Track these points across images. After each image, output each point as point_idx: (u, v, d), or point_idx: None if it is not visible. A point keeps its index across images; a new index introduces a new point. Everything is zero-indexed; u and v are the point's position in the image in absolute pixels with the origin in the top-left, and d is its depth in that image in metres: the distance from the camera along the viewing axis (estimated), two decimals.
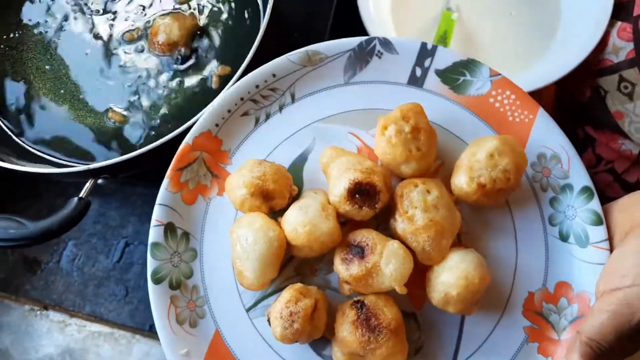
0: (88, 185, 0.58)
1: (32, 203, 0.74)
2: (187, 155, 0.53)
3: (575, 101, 0.74)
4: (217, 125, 0.54)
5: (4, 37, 0.73)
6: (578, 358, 0.45)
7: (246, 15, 0.69)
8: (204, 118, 0.53)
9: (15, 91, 0.70)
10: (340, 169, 0.49)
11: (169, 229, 0.51)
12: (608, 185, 0.75)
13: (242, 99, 0.54)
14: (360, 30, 0.70)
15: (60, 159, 0.67)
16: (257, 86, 0.54)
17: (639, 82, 0.65)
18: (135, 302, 0.70)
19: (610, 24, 0.69)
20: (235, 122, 0.54)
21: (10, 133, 0.69)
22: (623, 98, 0.67)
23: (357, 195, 0.47)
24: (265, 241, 0.47)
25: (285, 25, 0.74)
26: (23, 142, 0.68)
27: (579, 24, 0.70)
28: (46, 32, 0.72)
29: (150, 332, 0.70)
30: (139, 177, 0.72)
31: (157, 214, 0.51)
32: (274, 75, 0.54)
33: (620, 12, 0.68)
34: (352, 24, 0.71)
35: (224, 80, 0.65)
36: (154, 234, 0.51)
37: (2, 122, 0.69)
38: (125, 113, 0.67)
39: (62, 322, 0.73)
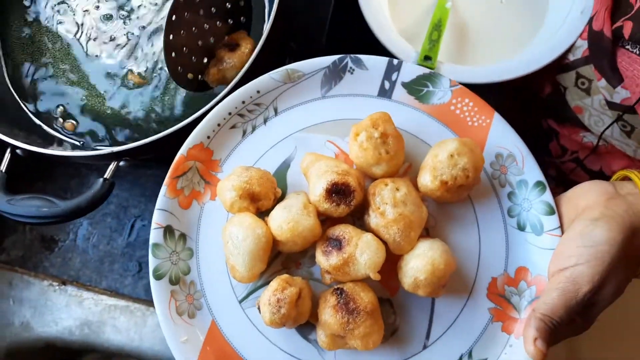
0: (112, 166, 0.63)
1: (45, 185, 0.79)
2: (182, 165, 0.59)
3: (538, 96, 0.79)
4: (208, 137, 0.60)
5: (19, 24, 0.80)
6: (534, 332, 0.51)
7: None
8: (196, 132, 0.59)
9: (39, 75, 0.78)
10: (318, 172, 0.55)
11: (167, 231, 0.57)
12: (572, 171, 0.80)
13: (230, 113, 0.60)
14: (356, 26, 0.73)
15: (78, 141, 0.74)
16: (243, 102, 0.61)
17: (595, 79, 0.68)
18: (148, 277, 0.72)
19: None
20: (225, 134, 0.61)
21: (32, 116, 0.76)
22: (581, 93, 0.71)
23: (334, 195, 0.53)
24: (254, 237, 0.53)
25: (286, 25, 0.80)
26: (44, 124, 0.75)
27: (565, 11, 0.73)
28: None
29: None
30: (148, 159, 0.77)
31: (157, 217, 0.57)
32: (258, 92, 0.61)
33: None
34: (349, 22, 0.75)
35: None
36: (154, 235, 0.57)
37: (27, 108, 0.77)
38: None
39: (79, 296, 0.77)
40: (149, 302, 0.75)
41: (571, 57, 0.71)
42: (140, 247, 0.76)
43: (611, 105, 0.68)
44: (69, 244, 0.78)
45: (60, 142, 0.74)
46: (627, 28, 0.63)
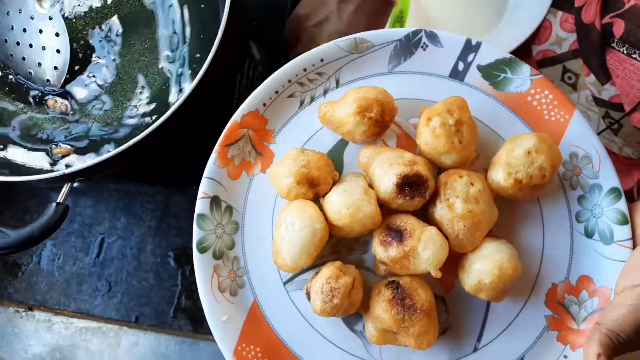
0: (65, 189, 0.58)
1: (5, 208, 0.75)
2: (234, 132, 0.54)
3: None
4: (264, 104, 0.55)
5: None
6: (597, 347, 0.48)
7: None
8: (252, 97, 0.55)
9: None
10: (383, 166, 0.51)
11: (214, 201, 0.53)
12: None
13: (289, 81, 0.56)
14: None
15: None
16: (304, 69, 0.56)
17: (583, 73, 0.66)
18: (119, 296, 0.72)
19: (553, 14, 0.70)
20: (282, 103, 0.56)
21: None
22: (567, 88, 0.68)
23: (406, 188, 0.49)
24: (310, 231, 0.49)
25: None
26: None
27: (526, 2, 0.73)
28: None
29: (136, 323, 0.72)
30: (112, 174, 0.73)
31: (205, 186, 0.53)
32: (321, 60, 0.56)
33: (562, 2, 0.70)
34: None
35: None
36: (201, 205, 0.53)
37: None
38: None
39: (48, 321, 0.74)
40: (122, 322, 0.73)
41: (558, 50, 0.69)
42: (108, 265, 0.73)
43: (598, 101, 0.66)
44: (33, 267, 0.74)
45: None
46: (618, 27, 0.61)
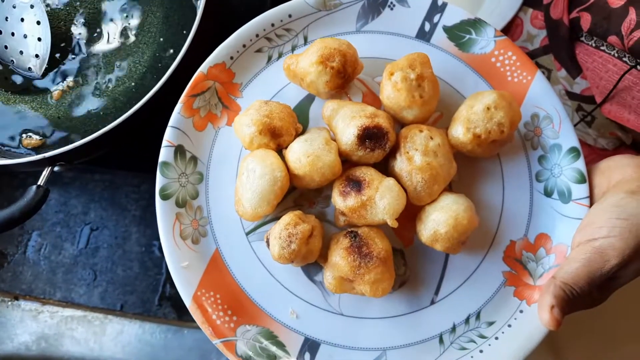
0: (45, 173, 0.59)
1: None
2: (200, 84, 0.55)
3: None
4: (231, 58, 0.56)
5: None
6: (551, 299, 0.48)
7: None
8: (219, 50, 0.55)
9: None
10: (345, 119, 0.52)
11: (179, 150, 0.54)
12: None
13: (257, 35, 0.56)
14: None
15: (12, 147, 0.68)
16: (272, 24, 0.56)
17: (554, 68, 0.67)
18: (104, 285, 0.73)
19: (524, 12, 0.72)
20: (249, 57, 0.57)
21: None
22: None
23: (367, 140, 0.50)
24: (270, 178, 0.49)
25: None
26: None
27: None
28: None
29: (121, 311, 0.73)
30: (96, 163, 0.74)
31: (169, 135, 0.54)
32: (289, 16, 0.57)
33: (532, 0, 0.71)
34: None
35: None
36: (165, 153, 0.53)
37: None
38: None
39: (34, 310, 0.75)
40: (107, 310, 0.74)
41: (530, 47, 0.70)
42: (93, 255, 0.74)
43: (571, 95, 0.67)
44: (18, 257, 0.75)
45: None
46: (585, 20, 0.62)
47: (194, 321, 0.67)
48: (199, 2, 0.60)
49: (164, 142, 0.54)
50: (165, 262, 0.72)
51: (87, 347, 0.74)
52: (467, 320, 0.53)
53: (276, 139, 0.52)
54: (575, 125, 0.68)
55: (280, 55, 0.57)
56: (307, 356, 0.51)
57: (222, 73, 0.56)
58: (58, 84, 0.70)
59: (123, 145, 0.69)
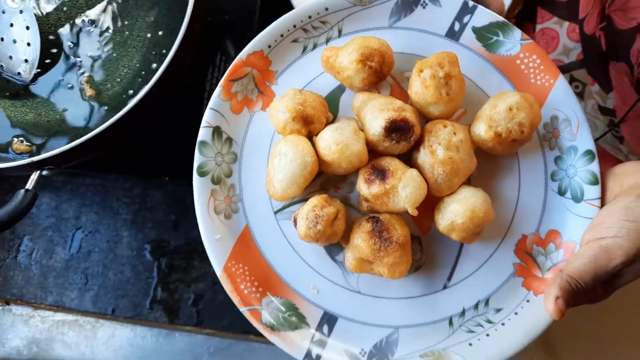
0: (34, 176, 0.60)
1: None
2: (239, 69, 0.59)
3: None
4: (269, 46, 0.59)
5: None
6: (557, 291, 0.51)
7: None
8: (258, 38, 0.59)
9: None
10: (374, 111, 0.55)
11: (216, 131, 0.58)
12: None
13: (294, 26, 0.60)
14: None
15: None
16: (309, 17, 0.59)
17: (589, 82, 0.67)
18: (95, 289, 0.74)
19: (559, 25, 0.71)
20: (286, 46, 0.60)
21: None
22: None
23: (393, 133, 0.53)
24: (302, 162, 0.53)
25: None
26: None
27: None
28: None
29: (113, 315, 0.73)
30: (86, 167, 0.74)
31: (208, 116, 0.57)
32: (326, 9, 0.60)
33: (568, 13, 0.70)
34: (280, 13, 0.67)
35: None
36: (203, 133, 0.57)
37: None
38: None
39: (25, 314, 0.75)
40: (98, 314, 0.74)
41: (565, 60, 0.70)
42: (84, 259, 0.74)
43: (603, 110, 0.67)
44: (9, 261, 0.75)
45: None
46: (603, 40, 0.62)
47: (185, 325, 0.70)
48: (187, 6, 0.60)
49: (203, 123, 0.57)
50: (156, 266, 0.75)
51: (79, 351, 0.74)
52: (476, 306, 0.56)
53: (308, 126, 0.55)
54: (601, 137, 0.69)
55: (315, 46, 0.61)
56: (325, 328, 0.56)
57: (260, 60, 0.59)
58: (48, 88, 0.70)
59: (111, 149, 0.69)
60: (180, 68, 0.59)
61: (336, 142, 0.53)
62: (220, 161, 0.58)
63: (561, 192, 0.58)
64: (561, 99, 0.58)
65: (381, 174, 0.53)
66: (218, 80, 0.74)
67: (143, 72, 0.69)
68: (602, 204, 0.56)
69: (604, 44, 0.61)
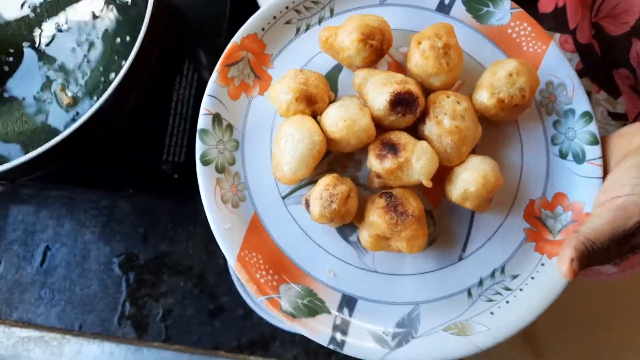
0: None
1: None
2: (235, 53, 0.57)
3: None
4: (263, 29, 0.58)
5: None
6: (571, 251, 0.51)
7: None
8: (251, 21, 0.57)
9: None
10: (376, 86, 0.54)
11: (216, 118, 0.56)
12: None
13: (287, 7, 0.58)
14: None
15: None
16: None
17: (594, 91, 0.67)
18: (62, 304, 0.72)
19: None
20: (279, 28, 0.59)
21: None
22: None
23: (398, 106, 0.53)
24: (310, 142, 0.52)
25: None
26: None
27: None
28: None
29: (80, 331, 0.72)
30: (53, 180, 0.73)
31: (207, 103, 0.55)
32: None
33: (557, 24, 0.70)
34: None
35: None
36: (203, 121, 0.55)
37: None
38: None
39: None
40: (64, 330, 0.72)
41: None
42: (51, 273, 0.73)
43: (614, 116, 0.68)
44: None
45: None
46: (597, 48, 0.62)
47: (153, 340, 0.69)
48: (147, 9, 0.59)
49: (202, 110, 0.55)
50: (124, 280, 0.73)
51: None
52: (492, 274, 0.56)
53: (311, 105, 0.54)
54: None
55: (307, 27, 0.60)
56: (345, 311, 0.54)
57: (254, 44, 0.58)
58: (6, 98, 0.66)
59: (70, 162, 0.66)
60: (141, 78, 0.57)
61: (343, 119, 0.52)
62: (222, 149, 0.56)
63: (563, 155, 0.59)
64: (554, 64, 0.60)
65: (393, 148, 0.52)
66: (186, 91, 0.74)
67: (107, 80, 0.65)
68: (606, 166, 0.57)
69: (599, 53, 0.61)
